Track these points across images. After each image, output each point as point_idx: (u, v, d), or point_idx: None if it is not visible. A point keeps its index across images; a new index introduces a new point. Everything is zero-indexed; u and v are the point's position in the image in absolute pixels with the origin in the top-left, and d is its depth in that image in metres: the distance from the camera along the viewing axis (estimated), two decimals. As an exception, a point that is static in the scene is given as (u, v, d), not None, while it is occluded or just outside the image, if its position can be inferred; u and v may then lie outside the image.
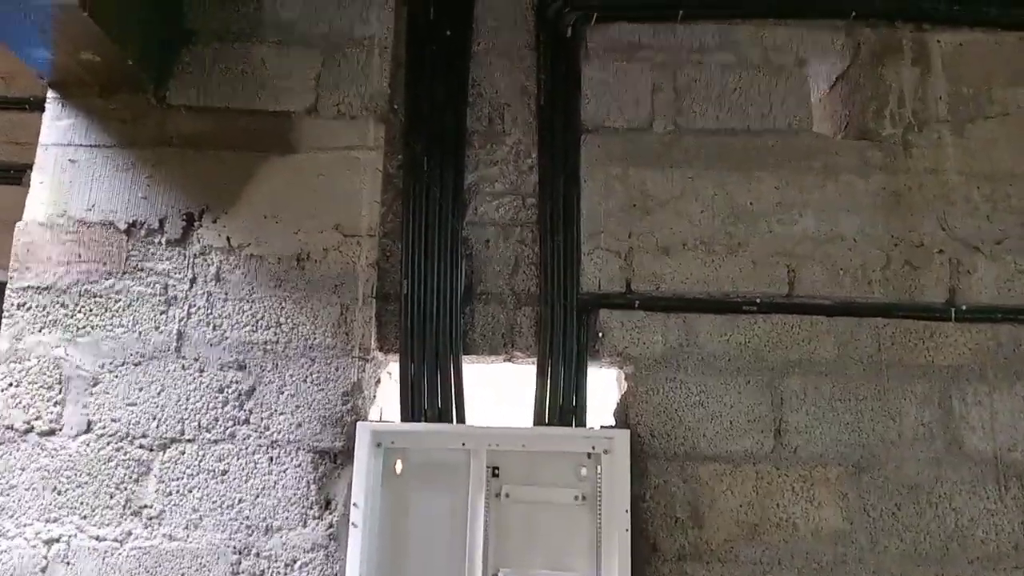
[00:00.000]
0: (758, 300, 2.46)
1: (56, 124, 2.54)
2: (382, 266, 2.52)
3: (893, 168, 2.57)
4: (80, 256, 2.43)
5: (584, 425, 2.39)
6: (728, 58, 2.68)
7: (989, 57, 2.67)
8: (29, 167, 4.45)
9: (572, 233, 2.55)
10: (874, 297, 2.49)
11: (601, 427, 2.40)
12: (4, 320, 2.39)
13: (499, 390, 3.23)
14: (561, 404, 2.41)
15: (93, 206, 2.47)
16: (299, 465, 2.31)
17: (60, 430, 2.35)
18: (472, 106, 2.68)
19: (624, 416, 2.40)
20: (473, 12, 2.72)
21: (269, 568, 2.26)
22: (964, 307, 2.47)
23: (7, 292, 2.41)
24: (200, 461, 2.32)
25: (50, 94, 2.56)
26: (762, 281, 2.49)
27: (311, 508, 2.29)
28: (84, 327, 2.39)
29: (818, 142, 2.61)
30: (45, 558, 2.27)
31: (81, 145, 2.51)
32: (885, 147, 2.59)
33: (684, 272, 2.50)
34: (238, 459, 2.32)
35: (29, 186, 4.44)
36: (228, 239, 2.46)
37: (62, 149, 2.51)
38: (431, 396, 2.40)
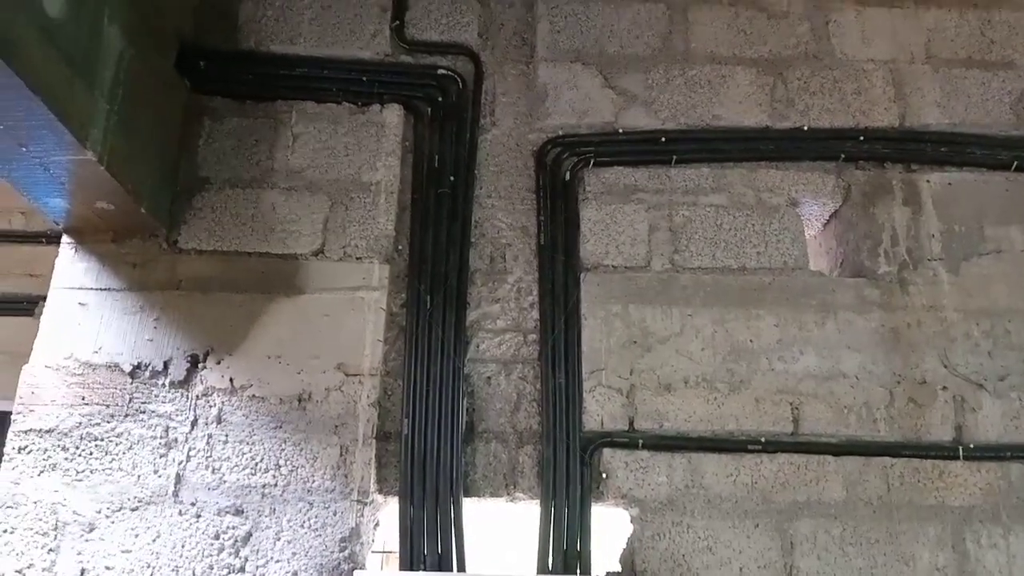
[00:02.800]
0: (763, 439, 2.44)
1: (68, 268, 2.60)
2: (383, 405, 2.52)
3: (891, 305, 2.60)
4: (84, 398, 2.44)
5: (589, 572, 2.32)
6: (722, 199, 2.76)
7: (978, 196, 2.75)
8: (42, 299, 4.58)
9: (574, 370, 2.55)
10: (880, 435, 2.46)
11: (607, 574, 2.32)
12: (4, 463, 2.38)
13: (501, 530, 3.16)
14: (565, 549, 2.34)
15: (100, 348, 2.49)
16: (294, 617, 2.24)
17: (52, 578, 2.29)
18: (474, 246, 2.75)
19: (630, 562, 2.33)
20: (476, 158, 2.82)
21: None
22: (972, 445, 2.44)
23: (8, 435, 2.40)
24: (193, 612, 2.25)
25: (64, 239, 2.64)
26: (766, 420, 2.47)
27: (305, 663, 2.20)
28: (83, 471, 2.37)
29: (815, 280, 2.65)
30: None
31: (92, 288, 2.56)
32: (882, 285, 2.63)
33: (687, 410, 2.49)
34: (232, 610, 2.25)
35: (37, 316, 4.52)
36: (231, 380, 2.48)
37: (73, 292, 2.56)
38: (431, 541, 2.34)
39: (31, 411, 2.42)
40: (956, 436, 2.47)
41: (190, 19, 2.82)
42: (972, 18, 3.01)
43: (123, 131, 2.34)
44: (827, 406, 2.49)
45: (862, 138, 2.80)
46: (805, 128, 2.83)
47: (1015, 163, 2.76)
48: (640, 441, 2.44)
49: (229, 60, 2.84)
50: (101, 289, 2.57)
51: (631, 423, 2.48)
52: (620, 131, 2.85)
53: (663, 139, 2.82)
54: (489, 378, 2.58)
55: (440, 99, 2.85)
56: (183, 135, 2.74)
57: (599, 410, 2.49)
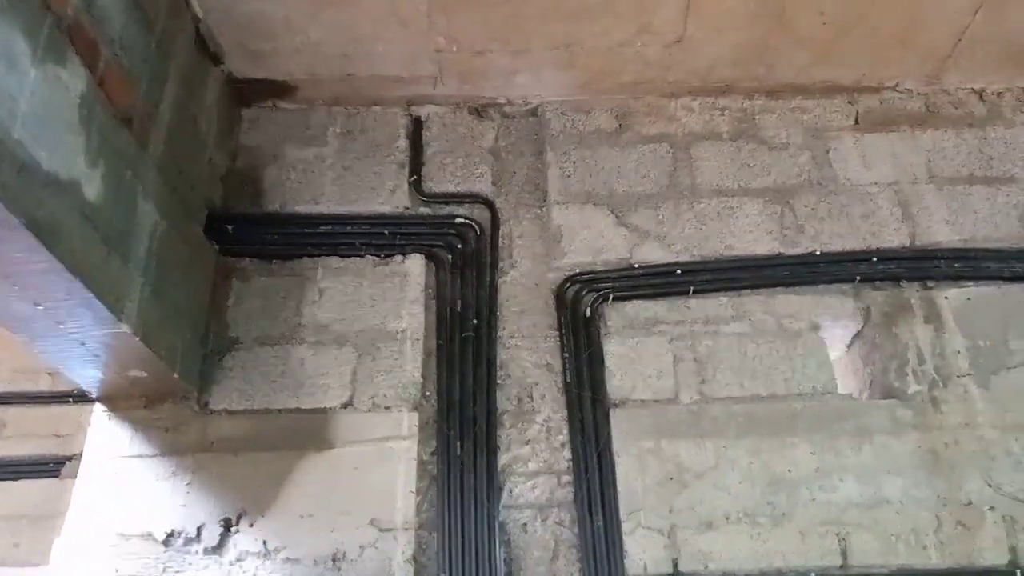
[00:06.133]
0: (812, 574, 2.36)
1: (101, 436, 2.61)
2: (419, 560, 2.46)
3: (926, 425, 2.58)
4: (117, 570, 2.40)
5: None
6: (743, 327, 2.78)
7: (998, 309, 2.77)
8: (68, 459, 4.59)
9: (611, 511, 2.51)
10: (932, 563, 2.39)
11: None
12: (34, 646, 2.32)
13: None
14: None
15: (133, 517, 2.47)
16: None
17: None
18: (501, 387, 2.75)
19: None
20: (497, 300, 2.88)
21: None
22: (1029, 567, 2.36)
23: (40, 615, 2.36)
24: None
25: (97, 407, 2.66)
26: (813, 553, 2.40)
27: None
28: (115, 648, 2.31)
29: (846, 403, 2.64)
30: None
31: (124, 456, 2.57)
32: (914, 405, 2.61)
33: (732, 548, 2.42)
34: None
35: (64, 478, 4.51)
36: (264, 543, 2.44)
37: (106, 461, 2.56)
38: None
39: (63, 588, 2.39)
40: (1012, 559, 2.39)
41: (218, 187, 2.96)
42: (969, 136, 3.12)
43: (156, 300, 2.40)
44: (874, 535, 2.42)
45: (875, 259, 2.85)
46: (817, 252, 2.88)
47: (1030, 274, 2.80)
48: (687, 585, 2.37)
49: (255, 222, 2.95)
50: (134, 456, 2.57)
51: (675, 565, 2.41)
52: (636, 265, 2.91)
53: (679, 271, 2.88)
54: (525, 524, 2.54)
55: (459, 246, 2.94)
56: (213, 297, 2.81)
57: (641, 553, 2.43)
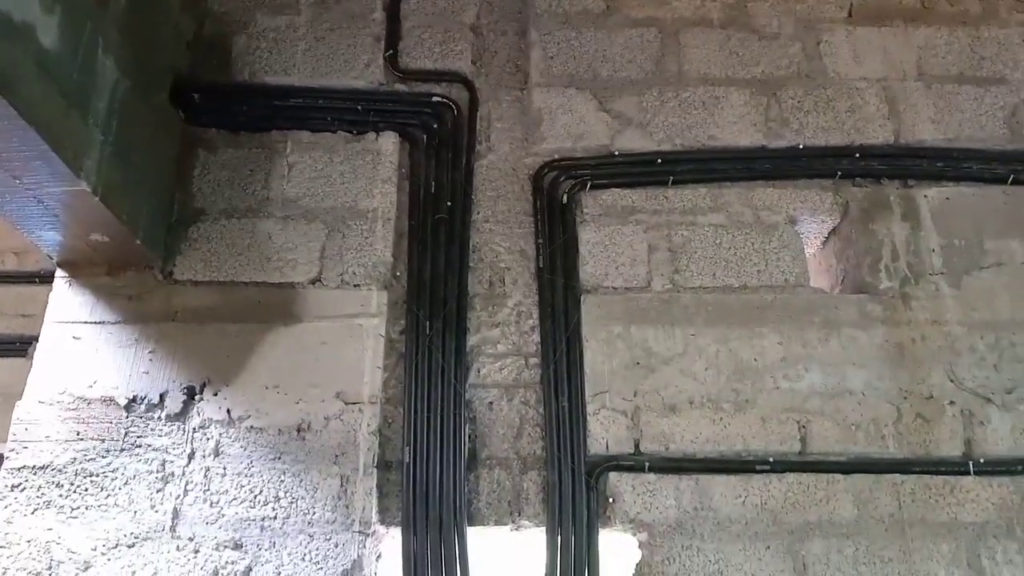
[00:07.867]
0: (771, 459, 2.40)
1: (62, 302, 2.57)
2: (384, 433, 2.48)
3: (894, 321, 2.58)
4: (79, 433, 2.39)
5: (598, 599, 2.27)
6: (720, 219, 2.74)
7: (976, 210, 2.74)
8: (35, 339, 4.54)
9: (576, 393, 2.52)
10: (889, 452, 2.43)
11: (616, 601, 2.27)
12: (-4, 502, 2.33)
13: (507, 559, 3.09)
14: (573, 577, 2.29)
15: (95, 382, 2.45)
16: (296, 653, 2.17)
17: (45, 620, 2.22)
18: (473, 270, 2.72)
19: (639, 588, 2.28)
20: (472, 183, 2.81)
21: None
22: (982, 460, 2.41)
23: (1, 473, 2.35)
24: (191, 652, 2.18)
25: (59, 272, 2.61)
26: (773, 439, 2.44)
27: None
28: (79, 507, 2.32)
29: (817, 297, 2.64)
30: None
31: (86, 322, 2.53)
32: (884, 300, 2.61)
33: (693, 431, 2.45)
34: (232, 648, 2.18)
35: (30, 357, 4.48)
36: (228, 411, 2.43)
37: (67, 326, 2.52)
38: (435, 572, 2.29)
39: (25, 448, 2.38)
40: (966, 451, 2.44)
41: (184, 53, 2.84)
42: (962, 35, 3.03)
43: (117, 162, 2.32)
44: (834, 423, 2.45)
45: (858, 155, 2.80)
46: (800, 147, 2.83)
47: (1011, 177, 2.76)
48: (646, 464, 2.39)
49: (223, 92, 2.84)
50: (96, 322, 2.54)
51: (636, 446, 2.44)
52: (616, 153, 2.85)
53: (659, 160, 2.82)
54: (491, 403, 2.55)
55: (435, 126, 2.86)
56: (178, 167, 2.73)
57: (604, 433, 2.45)
